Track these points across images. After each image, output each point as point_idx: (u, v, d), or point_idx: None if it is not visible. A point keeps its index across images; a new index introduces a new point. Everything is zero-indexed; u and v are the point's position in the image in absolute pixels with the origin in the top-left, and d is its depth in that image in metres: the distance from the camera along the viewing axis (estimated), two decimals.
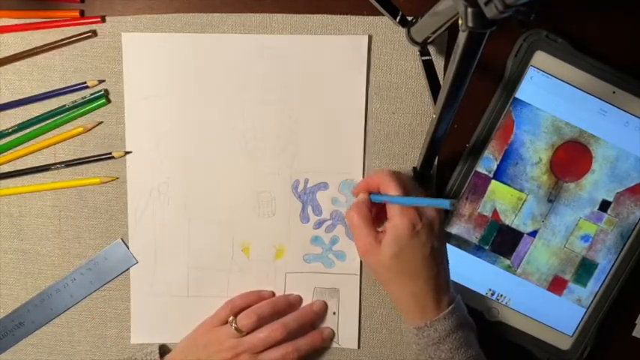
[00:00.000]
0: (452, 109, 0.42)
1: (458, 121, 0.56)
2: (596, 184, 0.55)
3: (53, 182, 0.57)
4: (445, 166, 0.57)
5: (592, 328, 0.56)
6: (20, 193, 0.57)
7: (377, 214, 0.52)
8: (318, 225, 0.57)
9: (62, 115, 0.56)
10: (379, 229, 0.51)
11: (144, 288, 0.58)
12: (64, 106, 0.56)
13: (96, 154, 0.57)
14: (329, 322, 0.58)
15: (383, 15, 0.54)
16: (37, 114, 0.56)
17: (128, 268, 0.58)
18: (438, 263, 0.50)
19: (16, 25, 0.55)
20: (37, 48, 0.56)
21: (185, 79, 0.56)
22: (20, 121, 0.56)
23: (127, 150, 0.57)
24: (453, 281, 0.56)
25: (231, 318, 0.54)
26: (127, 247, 0.58)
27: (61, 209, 0.58)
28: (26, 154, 0.57)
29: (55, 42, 0.56)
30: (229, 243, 0.58)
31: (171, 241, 0.57)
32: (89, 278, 0.58)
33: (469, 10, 0.32)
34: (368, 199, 0.52)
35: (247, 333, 0.54)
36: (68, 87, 0.56)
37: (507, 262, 0.56)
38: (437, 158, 0.56)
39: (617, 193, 0.55)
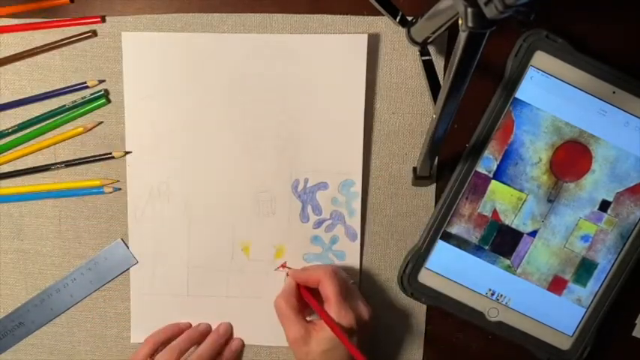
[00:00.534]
0: (452, 109, 0.42)
1: (458, 121, 0.56)
2: (596, 184, 0.55)
3: (53, 183, 0.57)
4: (445, 166, 0.57)
5: (592, 328, 0.56)
6: (20, 193, 0.57)
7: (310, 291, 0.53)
8: (318, 225, 0.57)
9: (62, 115, 0.56)
10: (309, 319, 0.52)
11: (144, 288, 0.58)
12: (64, 106, 0.56)
13: (96, 154, 0.57)
14: None
15: (383, 15, 0.54)
16: (37, 114, 0.56)
17: (128, 268, 0.58)
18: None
19: (16, 25, 0.55)
20: (37, 48, 0.56)
21: (185, 79, 0.56)
22: (20, 121, 0.57)
23: (127, 150, 0.57)
24: (454, 281, 0.56)
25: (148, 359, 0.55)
26: (127, 247, 0.58)
27: (61, 209, 0.58)
28: (26, 154, 0.57)
29: (55, 42, 0.56)
30: (229, 243, 0.58)
31: (171, 241, 0.57)
32: (89, 278, 0.58)
33: (469, 10, 0.32)
34: (296, 287, 0.53)
35: None
36: (68, 87, 0.56)
37: (507, 262, 0.56)
38: (437, 158, 0.56)
39: (617, 193, 0.55)
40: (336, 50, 0.55)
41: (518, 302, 0.56)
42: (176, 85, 0.56)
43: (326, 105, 0.56)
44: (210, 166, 0.57)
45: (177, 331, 0.57)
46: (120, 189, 0.57)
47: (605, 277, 0.56)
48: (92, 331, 0.59)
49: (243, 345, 0.58)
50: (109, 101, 0.56)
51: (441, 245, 0.56)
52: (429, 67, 0.55)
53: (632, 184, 0.55)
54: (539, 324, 0.56)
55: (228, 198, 0.57)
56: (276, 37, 0.55)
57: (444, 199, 0.55)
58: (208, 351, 0.56)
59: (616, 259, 0.56)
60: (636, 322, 0.59)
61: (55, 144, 0.57)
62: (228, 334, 0.58)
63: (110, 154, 0.57)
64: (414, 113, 0.57)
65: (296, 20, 0.56)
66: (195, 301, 0.58)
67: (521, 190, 0.55)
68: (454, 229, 0.56)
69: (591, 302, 0.56)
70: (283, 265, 0.57)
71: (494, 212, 0.56)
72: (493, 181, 0.55)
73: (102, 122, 0.57)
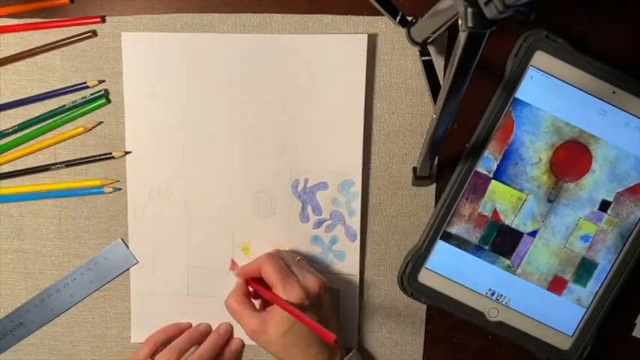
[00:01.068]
0: (452, 109, 0.42)
1: (458, 121, 0.56)
2: (596, 184, 0.55)
3: (53, 183, 0.57)
4: (445, 166, 0.57)
5: (592, 328, 0.56)
6: (20, 193, 0.57)
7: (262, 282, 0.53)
8: (318, 225, 0.57)
9: (62, 115, 0.56)
10: (266, 309, 0.52)
11: (144, 288, 0.58)
12: (64, 106, 0.56)
13: (96, 154, 0.57)
14: None
15: (383, 15, 0.54)
16: (37, 114, 0.56)
17: (128, 268, 0.58)
18: (328, 326, 0.51)
19: (16, 25, 0.55)
20: (37, 48, 0.56)
21: (185, 79, 0.56)
22: (20, 121, 0.56)
23: (127, 150, 0.57)
24: (454, 281, 0.56)
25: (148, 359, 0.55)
26: (127, 247, 0.58)
27: (61, 209, 0.58)
28: (26, 154, 0.57)
29: (55, 42, 0.56)
30: (229, 242, 0.58)
31: (171, 240, 0.57)
32: (89, 278, 0.58)
33: (469, 10, 0.32)
34: (244, 283, 0.54)
35: None
36: (68, 87, 0.56)
37: (507, 262, 0.56)
38: (437, 158, 0.56)
39: (617, 193, 0.55)
40: (336, 50, 0.55)
41: (518, 302, 0.56)
42: (176, 85, 0.56)
43: (326, 105, 0.56)
44: (210, 166, 0.57)
45: (177, 331, 0.57)
46: (120, 189, 0.57)
47: (605, 277, 0.56)
48: (92, 331, 0.59)
49: (243, 345, 0.59)
50: (109, 101, 0.56)
51: (441, 245, 0.56)
52: (429, 67, 0.55)
53: (632, 184, 0.55)
54: (539, 324, 0.56)
55: (228, 198, 0.57)
56: (276, 37, 0.55)
57: (444, 199, 0.55)
58: (209, 351, 0.56)
59: (616, 259, 0.56)
60: (636, 322, 0.59)
61: (55, 144, 0.57)
62: (229, 334, 0.58)
63: (110, 154, 0.57)
64: (414, 113, 0.57)
65: (296, 20, 0.56)
66: (195, 301, 0.58)
67: (521, 190, 0.55)
68: (454, 229, 0.56)
69: (591, 302, 0.56)
70: (233, 264, 0.57)
71: (495, 212, 0.56)
72: (493, 181, 0.55)
73: (102, 122, 0.57)
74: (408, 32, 0.54)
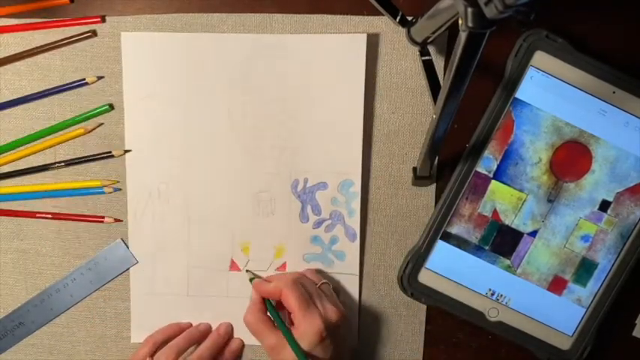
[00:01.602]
0: (452, 109, 0.42)
1: (458, 121, 0.56)
2: (596, 184, 0.55)
3: (53, 183, 0.57)
4: (445, 166, 0.57)
5: (592, 328, 0.56)
6: (20, 193, 0.57)
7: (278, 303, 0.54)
8: (318, 224, 0.57)
9: (64, 120, 0.56)
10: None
11: (144, 288, 0.58)
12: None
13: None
14: None
15: (383, 15, 0.54)
16: (37, 114, 0.56)
17: (128, 268, 0.58)
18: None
19: (16, 25, 0.55)
20: (37, 48, 0.56)
21: (185, 79, 0.56)
22: (20, 122, 0.56)
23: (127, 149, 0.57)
24: (454, 281, 0.56)
25: (147, 359, 0.54)
26: (127, 247, 0.58)
27: (60, 209, 0.58)
28: (27, 155, 0.57)
29: (55, 42, 0.56)
30: (229, 242, 0.58)
31: (171, 240, 0.57)
32: (89, 278, 0.58)
33: (469, 10, 0.32)
34: (261, 300, 0.54)
35: None
36: (67, 84, 0.56)
37: (507, 262, 0.56)
38: (437, 158, 0.56)
39: (617, 193, 0.55)
40: (336, 50, 0.55)
41: (518, 302, 0.56)
42: (176, 85, 0.56)
43: (325, 105, 0.56)
44: (210, 166, 0.57)
45: (177, 331, 0.57)
46: (120, 189, 0.57)
47: (605, 277, 0.56)
48: (92, 331, 0.59)
49: (243, 345, 0.59)
50: (111, 107, 0.56)
51: (441, 245, 0.56)
52: (429, 67, 0.55)
53: (632, 184, 0.55)
54: (539, 324, 0.56)
55: (228, 198, 0.57)
56: (276, 37, 0.55)
57: (444, 199, 0.55)
58: (208, 351, 0.56)
59: (616, 259, 0.56)
60: (636, 322, 0.59)
61: (55, 145, 0.57)
62: (229, 334, 0.58)
63: (110, 152, 0.57)
64: (414, 113, 0.57)
65: (296, 20, 0.56)
66: (195, 301, 0.58)
67: (521, 190, 0.55)
68: (454, 229, 0.56)
69: (591, 302, 0.56)
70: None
71: (495, 212, 0.56)
72: (493, 181, 0.55)
73: (102, 124, 0.57)
74: (408, 32, 0.54)
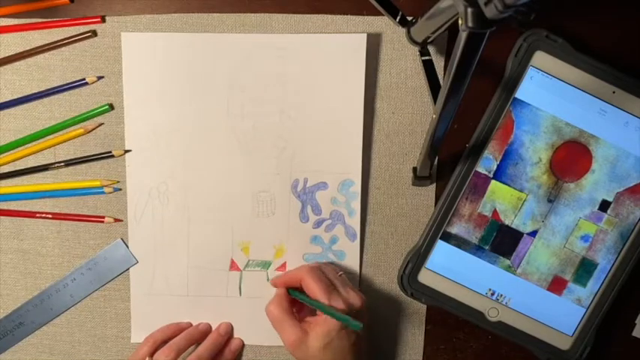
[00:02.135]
0: (452, 109, 0.42)
1: (458, 121, 0.56)
2: (596, 184, 0.55)
3: (53, 183, 0.57)
4: (445, 166, 0.57)
5: (592, 328, 0.56)
6: (20, 193, 0.57)
7: (294, 301, 0.54)
8: (318, 224, 0.57)
9: (64, 120, 0.56)
10: (305, 319, 0.53)
11: (144, 288, 0.58)
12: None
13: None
14: None
15: (383, 15, 0.54)
16: (37, 114, 0.56)
17: (128, 268, 0.58)
18: (362, 348, 0.52)
19: (16, 25, 0.55)
20: (37, 48, 0.56)
21: (185, 79, 0.56)
22: (21, 122, 0.56)
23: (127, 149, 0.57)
24: (454, 281, 0.56)
25: (147, 359, 0.54)
26: (127, 247, 0.58)
27: (60, 209, 0.58)
28: (27, 155, 0.57)
29: (55, 42, 0.56)
30: (229, 242, 0.58)
31: (171, 240, 0.57)
32: (89, 278, 0.58)
33: (469, 10, 0.32)
34: (286, 292, 0.54)
35: None
36: (67, 84, 0.56)
37: (507, 262, 0.56)
38: (437, 158, 0.56)
39: (617, 193, 0.55)
40: (336, 50, 0.55)
41: (518, 302, 0.56)
42: (176, 84, 0.56)
43: (325, 105, 0.56)
44: (210, 165, 0.57)
45: (177, 331, 0.57)
46: (120, 189, 0.57)
47: (605, 277, 0.56)
48: (92, 331, 0.59)
49: (243, 345, 0.59)
50: (111, 107, 0.56)
51: (440, 245, 0.56)
52: (429, 67, 0.55)
53: (632, 184, 0.55)
54: (539, 324, 0.56)
55: (228, 198, 0.57)
56: (276, 37, 0.55)
57: (444, 199, 0.55)
58: (208, 350, 0.56)
59: (616, 259, 0.56)
60: (636, 322, 0.59)
61: (55, 145, 0.57)
62: (229, 334, 0.58)
63: (110, 152, 0.57)
64: (414, 113, 0.57)
65: (296, 20, 0.56)
66: (195, 301, 0.58)
67: (521, 190, 0.55)
68: (454, 229, 0.56)
69: (591, 302, 0.56)
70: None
71: (495, 212, 0.56)
72: (493, 181, 0.55)
73: (102, 124, 0.57)
74: (408, 32, 0.54)
